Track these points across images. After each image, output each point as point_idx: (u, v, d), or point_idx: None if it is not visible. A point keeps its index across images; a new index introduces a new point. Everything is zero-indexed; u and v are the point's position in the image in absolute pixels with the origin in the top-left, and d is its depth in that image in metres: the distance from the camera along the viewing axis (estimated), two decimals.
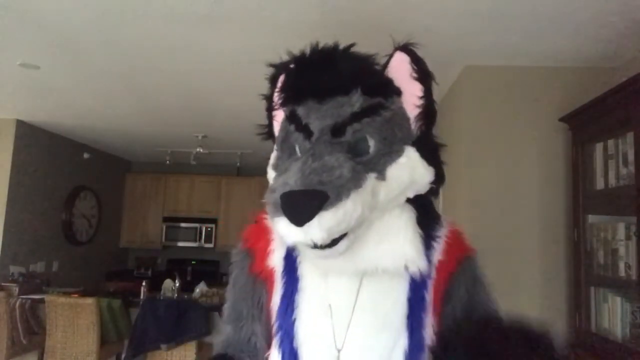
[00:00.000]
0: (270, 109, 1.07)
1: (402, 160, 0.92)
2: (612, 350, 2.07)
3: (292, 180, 0.82)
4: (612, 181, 2.18)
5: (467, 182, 2.82)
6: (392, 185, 0.90)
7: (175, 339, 3.70)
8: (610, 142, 2.19)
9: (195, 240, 6.45)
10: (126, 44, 2.68)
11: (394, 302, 0.92)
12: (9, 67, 3.08)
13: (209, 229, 6.43)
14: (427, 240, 0.93)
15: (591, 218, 2.35)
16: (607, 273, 2.18)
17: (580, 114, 2.39)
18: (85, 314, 3.68)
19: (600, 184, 2.27)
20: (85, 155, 5.67)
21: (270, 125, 1.10)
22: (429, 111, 0.96)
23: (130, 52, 2.79)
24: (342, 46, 0.96)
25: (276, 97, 1.02)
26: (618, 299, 2.12)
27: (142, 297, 4.23)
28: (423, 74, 0.95)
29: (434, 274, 0.95)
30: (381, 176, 0.89)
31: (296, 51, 0.99)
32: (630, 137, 2.01)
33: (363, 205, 0.82)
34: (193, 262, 6.58)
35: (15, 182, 4.56)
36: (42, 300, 3.85)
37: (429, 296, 0.94)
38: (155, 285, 4.51)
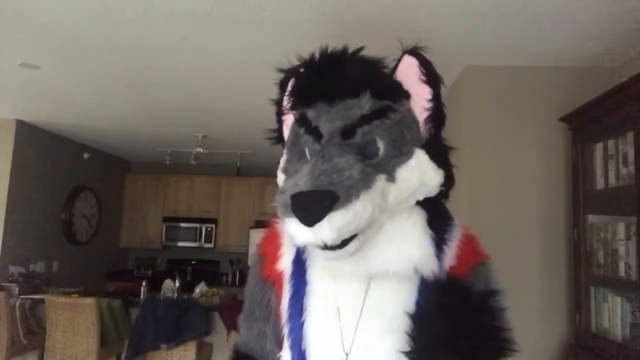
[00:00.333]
0: (279, 114, 1.08)
1: (412, 162, 0.92)
2: (612, 350, 2.07)
3: (302, 181, 0.82)
4: (612, 181, 2.18)
5: (467, 182, 2.82)
6: (401, 187, 0.90)
7: (175, 339, 3.70)
8: (610, 142, 2.19)
9: (195, 240, 6.45)
10: (126, 44, 2.68)
11: (402, 305, 0.91)
12: (9, 67, 3.08)
13: (209, 229, 6.43)
14: (438, 243, 0.93)
15: (591, 218, 2.35)
16: (607, 273, 2.18)
17: (580, 114, 2.39)
18: (85, 314, 3.68)
19: (600, 184, 2.27)
20: (85, 155, 5.67)
21: (279, 130, 1.10)
22: (437, 114, 0.96)
23: (130, 52, 2.79)
24: (351, 50, 0.97)
25: (286, 100, 1.03)
26: (618, 299, 2.12)
27: (142, 297, 4.23)
28: (432, 77, 0.96)
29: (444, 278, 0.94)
30: (391, 178, 0.89)
31: (296, 53, 1.00)
32: (630, 137, 2.01)
33: (373, 206, 0.83)
34: (193, 262, 6.58)
35: (15, 182, 4.55)
36: (42, 300, 3.85)
37: None
38: (155, 285, 4.52)
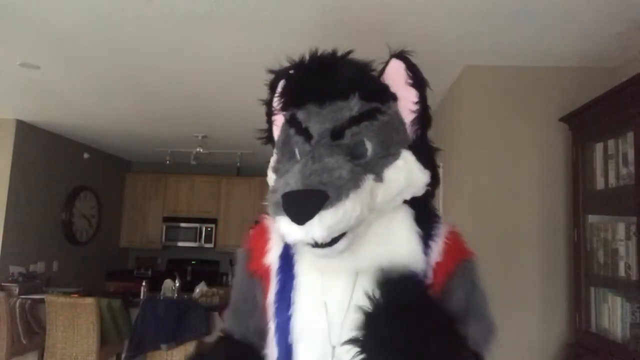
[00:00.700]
0: (270, 114, 1.09)
1: (399, 163, 0.94)
2: (612, 350, 2.07)
3: (293, 180, 0.84)
4: (612, 181, 2.18)
5: (467, 182, 2.82)
6: (389, 186, 0.92)
7: (175, 339, 3.70)
8: (610, 142, 2.19)
9: (195, 240, 6.45)
10: (126, 44, 2.68)
11: None
12: (9, 67, 3.08)
13: (209, 229, 6.43)
14: (425, 239, 0.95)
15: (591, 218, 2.35)
16: (607, 273, 2.18)
17: (580, 114, 2.39)
18: (85, 314, 3.68)
19: (600, 184, 2.27)
20: (85, 155, 5.67)
21: (269, 130, 1.12)
22: (424, 116, 0.99)
23: (130, 52, 2.79)
24: (340, 52, 0.99)
25: (276, 101, 1.05)
26: (618, 299, 2.12)
27: (142, 297, 4.23)
28: (418, 81, 0.98)
29: (430, 274, 0.95)
30: (379, 178, 0.91)
31: (296, 53, 1.01)
32: (630, 137, 2.01)
33: (362, 205, 0.85)
34: (193, 262, 6.58)
35: (15, 182, 4.56)
36: (42, 300, 3.86)
37: None
38: (155, 285, 4.52)
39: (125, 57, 2.89)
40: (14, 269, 4.53)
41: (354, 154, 0.92)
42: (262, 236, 1.07)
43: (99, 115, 4.34)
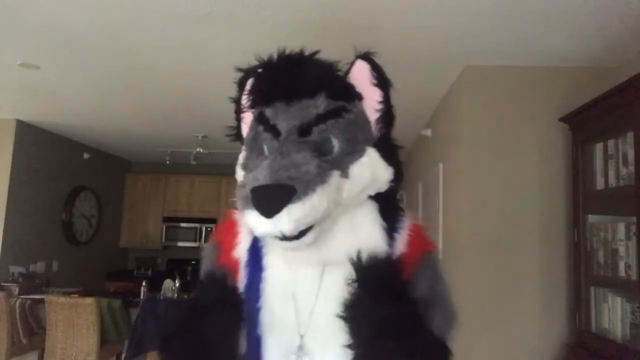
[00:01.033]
0: (238, 111, 1.13)
1: (364, 159, 0.97)
2: (612, 350, 2.07)
3: (262, 175, 0.86)
4: (612, 181, 2.18)
5: (467, 181, 2.82)
6: (354, 182, 0.95)
7: None
8: (610, 142, 2.19)
9: (195, 240, 6.46)
10: (126, 44, 2.68)
11: None
12: (9, 67, 3.08)
13: (209, 229, 6.43)
14: (390, 232, 0.99)
15: (591, 218, 2.35)
16: (607, 273, 2.18)
17: (580, 114, 2.39)
18: (85, 314, 3.68)
19: (600, 184, 2.27)
20: (85, 155, 5.67)
21: (238, 127, 1.16)
22: (387, 115, 1.03)
23: (130, 52, 2.79)
24: (307, 52, 1.02)
25: (245, 99, 1.08)
26: (618, 299, 2.12)
27: (142, 297, 4.23)
28: (382, 81, 1.02)
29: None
30: (345, 174, 0.94)
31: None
32: (630, 137, 2.01)
33: (328, 200, 0.87)
34: (193, 262, 6.56)
35: (15, 182, 4.56)
36: (42, 300, 3.86)
37: None
38: (155, 285, 4.52)
39: (126, 57, 2.88)
40: (14, 269, 4.53)
41: (321, 150, 0.94)
42: (231, 230, 1.09)
43: (99, 116, 4.34)
